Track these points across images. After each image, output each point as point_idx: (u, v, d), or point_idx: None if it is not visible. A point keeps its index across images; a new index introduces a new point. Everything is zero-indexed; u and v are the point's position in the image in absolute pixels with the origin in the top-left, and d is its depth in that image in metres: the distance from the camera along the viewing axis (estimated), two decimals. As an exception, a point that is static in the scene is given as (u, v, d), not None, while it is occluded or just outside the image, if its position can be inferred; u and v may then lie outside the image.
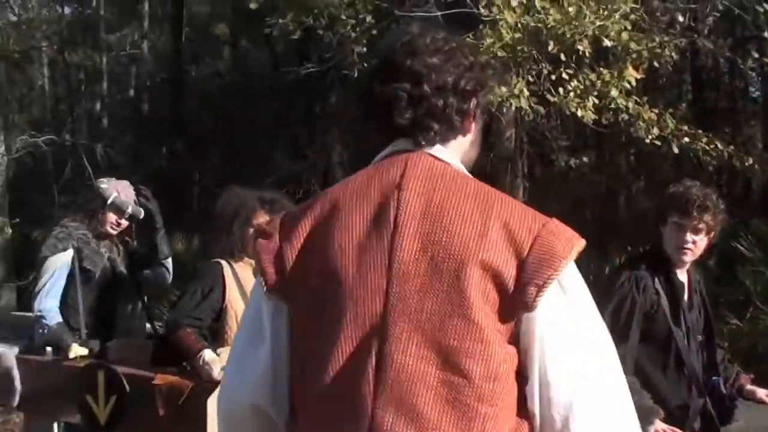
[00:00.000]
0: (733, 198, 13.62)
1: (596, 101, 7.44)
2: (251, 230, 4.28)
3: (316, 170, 15.89)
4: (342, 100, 15.99)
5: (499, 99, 7.14)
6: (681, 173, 11.38)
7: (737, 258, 10.16)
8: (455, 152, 2.03)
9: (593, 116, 7.46)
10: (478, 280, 1.81)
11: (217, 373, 3.96)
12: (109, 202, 5.01)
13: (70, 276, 5.02)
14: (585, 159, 15.00)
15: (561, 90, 7.38)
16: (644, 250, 4.07)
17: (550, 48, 7.01)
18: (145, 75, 22.34)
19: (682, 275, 3.92)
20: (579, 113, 7.32)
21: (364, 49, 9.17)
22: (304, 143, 17.90)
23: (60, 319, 4.93)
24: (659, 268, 3.85)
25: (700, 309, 4.00)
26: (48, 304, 4.95)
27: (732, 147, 8.73)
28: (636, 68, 7.52)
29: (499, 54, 7.01)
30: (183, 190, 19.24)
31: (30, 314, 5.61)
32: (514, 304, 1.81)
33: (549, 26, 6.91)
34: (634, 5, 7.46)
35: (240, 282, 4.36)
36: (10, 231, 10.40)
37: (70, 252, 4.99)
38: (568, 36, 6.89)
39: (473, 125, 2.05)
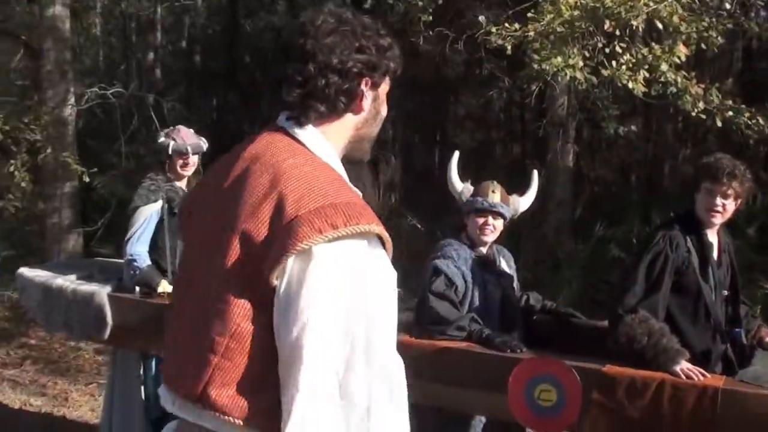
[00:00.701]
0: (774, 170, 13.80)
1: (646, 74, 7.55)
2: None
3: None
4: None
5: (555, 69, 7.36)
6: (726, 145, 11.57)
7: (775, 228, 10.44)
8: (337, 131, 2.12)
9: (643, 89, 7.58)
10: (236, 248, 1.94)
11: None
12: (170, 151, 5.36)
13: (160, 222, 5.36)
14: (633, 127, 15.01)
15: (614, 63, 7.50)
16: (679, 213, 4.34)
17: (606, 27, 7.16)
18: (198, 26, 22.29)
19: (712, 236, 4.21)
20: (630, 85, 7.45)
21: (430, 18, 9.24)
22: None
23: (149, 262, 5.30)
24: (692, 229, 4.14)
25: (728, 267, 4.29)
26: (139, 249, 5.31)
27: (772, 122, 8.78)
28: (686, 46, 7.63)
29: (558, 29, 7.21)
30: (234, 142, 19.27)
31: (116, 260, 6.13)
32: (260, 274, 1.91)
33: (606, 6, 7.06)
34: (687, -12, 7.53)
35: None
36: (87, 180, 10.69)
37: (160, 202, 5.35)
38: (623, 15, 7.03)
39: (365, 103, 2.11)
